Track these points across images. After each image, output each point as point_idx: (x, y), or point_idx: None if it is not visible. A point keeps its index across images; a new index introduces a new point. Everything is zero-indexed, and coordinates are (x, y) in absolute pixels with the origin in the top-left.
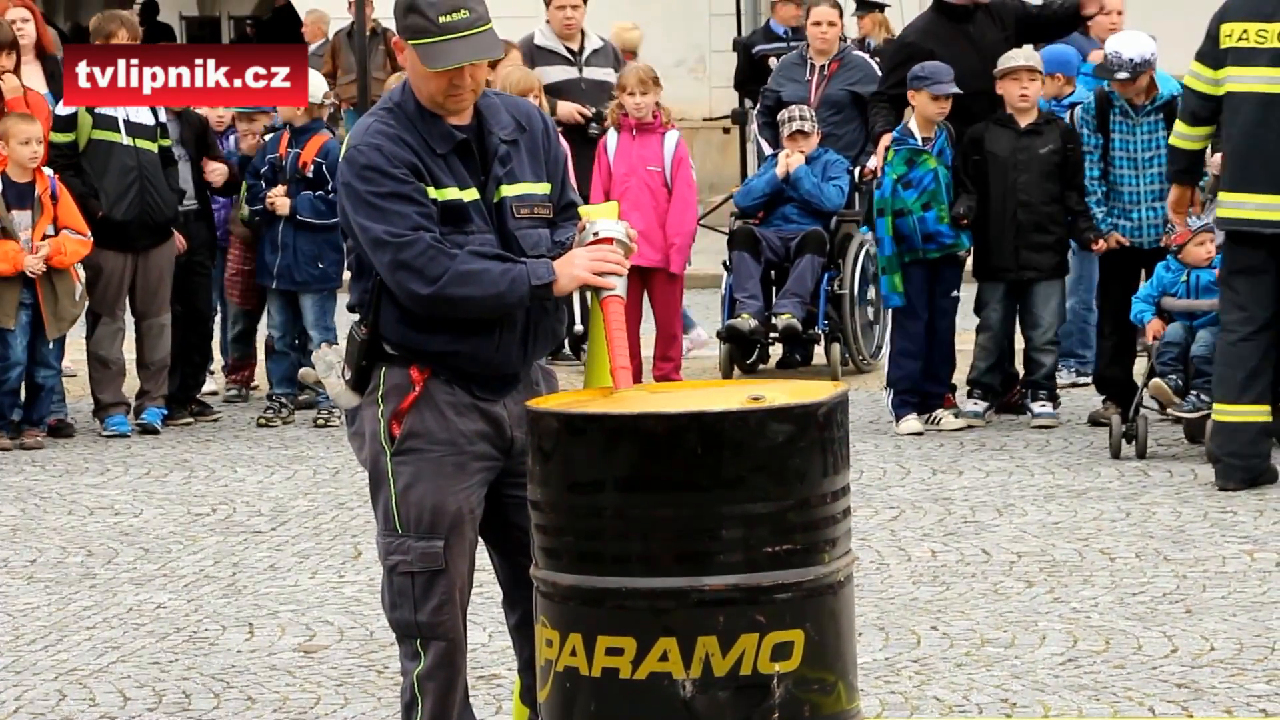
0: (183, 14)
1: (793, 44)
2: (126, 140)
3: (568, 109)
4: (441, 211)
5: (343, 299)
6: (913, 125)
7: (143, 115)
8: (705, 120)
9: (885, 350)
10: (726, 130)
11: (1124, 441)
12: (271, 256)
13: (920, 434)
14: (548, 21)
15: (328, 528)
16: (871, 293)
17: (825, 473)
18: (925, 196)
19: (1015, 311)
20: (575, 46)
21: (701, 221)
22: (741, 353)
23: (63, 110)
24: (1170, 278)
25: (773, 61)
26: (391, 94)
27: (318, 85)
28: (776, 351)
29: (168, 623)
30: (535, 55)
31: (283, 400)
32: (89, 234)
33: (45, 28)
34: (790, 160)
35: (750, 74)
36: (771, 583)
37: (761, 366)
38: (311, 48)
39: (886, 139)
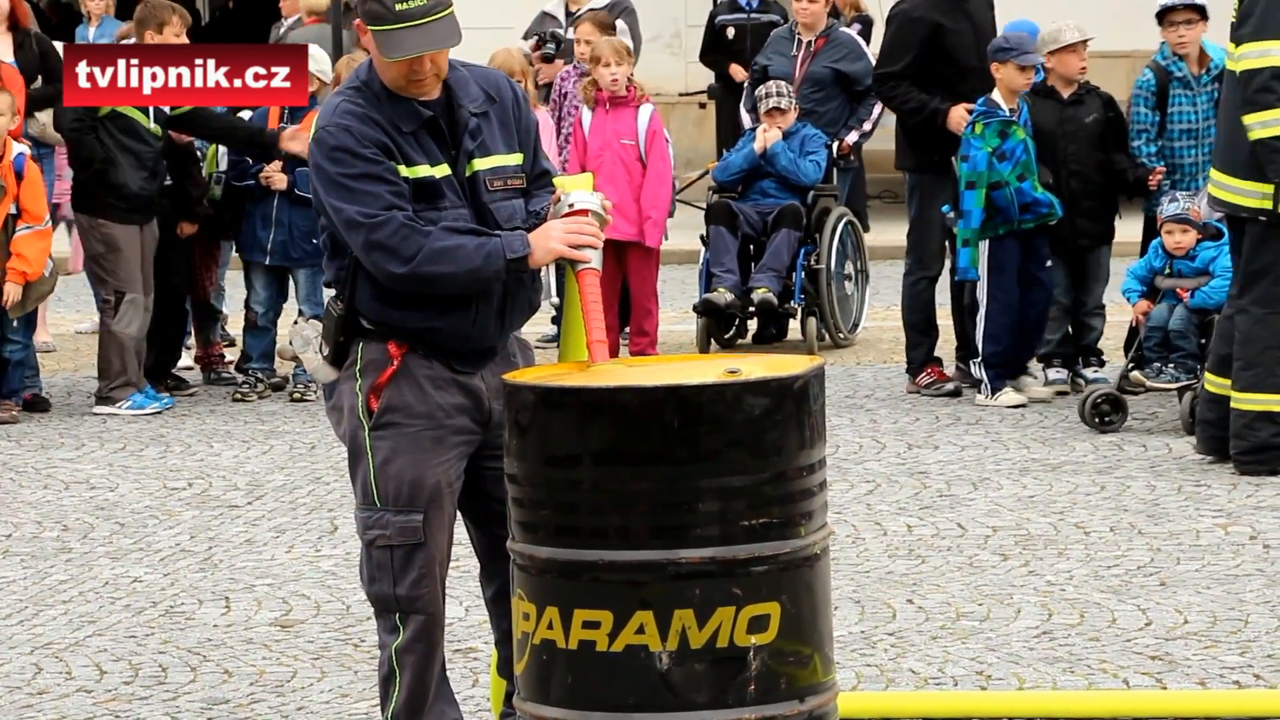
0: None
1: (754, 15)
2: (150, 124)
3: (549, 68)
4: (414, 189)
5: None
6: (997, 97)
7: None
8: (681, 95)
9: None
10: (702, 105)
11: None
12: (264, 232)
13: (1023, 405)
14: None
15: (304, 502)
16: (849, 268)
17: (802, 446)
18: (1019, 168)
19: (1069, 279)
20: (577, 6)
21: (678, 196)
22: (718, 327)
23: None
24: (1160, 264)
25: (730, 32)
26: (358, 71)
27: (320, 61)
28: (754, 326)
29: (144, 597)
30: (541, 21)
31: (259, 375)
32: (46, 219)
33: (20, 1)
34: (767, 136)
35: (712, 45)
36: (748, 556)
37: (739, 341)
38: (286, 23)
39: (959, 112)
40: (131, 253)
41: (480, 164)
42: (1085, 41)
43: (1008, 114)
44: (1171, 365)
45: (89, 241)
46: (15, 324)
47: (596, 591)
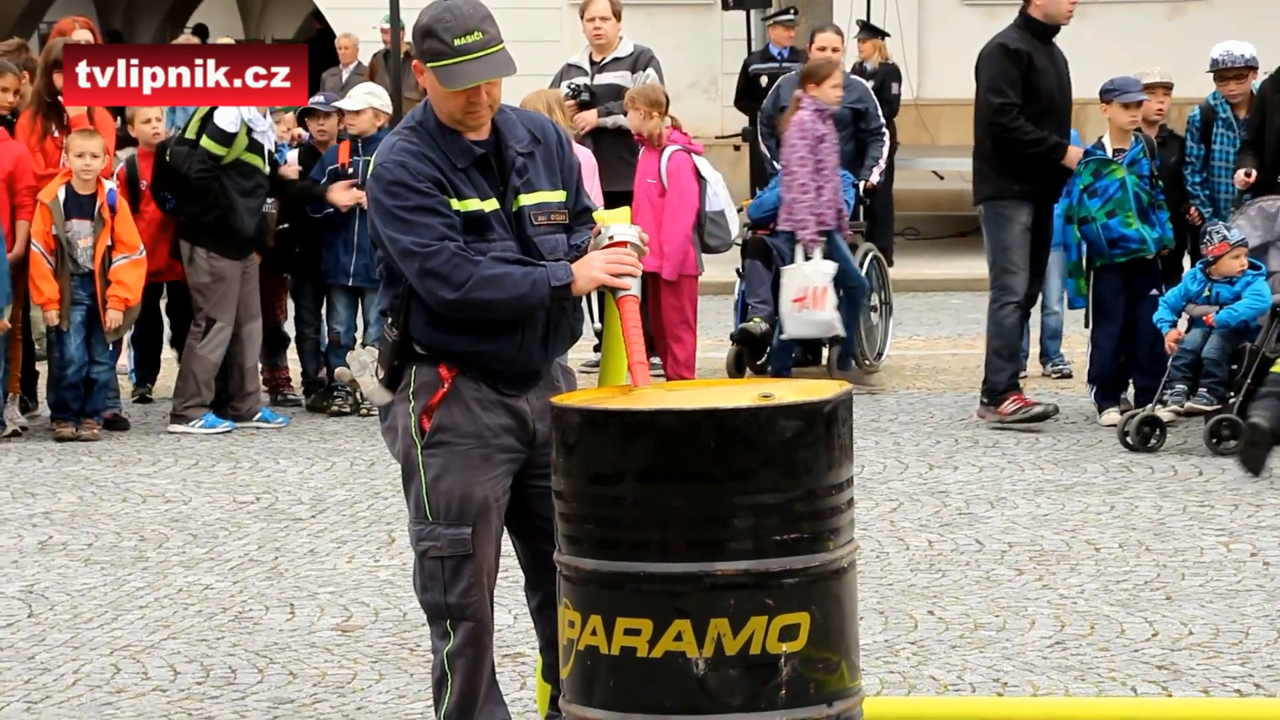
0: (231, 37)
1: (786, 64)
2: (266, 168)
3: (582, 116)
4: (464, 221)
5: None
6: (1105, 138)
7: (269, 140)
8: (717, 138)
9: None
10: (737, 147)
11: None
12: (346, 257)
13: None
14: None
15: (364, 515)
16: (874, 299)
17: (830, 466)
18: (1110, 204)
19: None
20: (600, 56)
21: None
22: (753, 354)
23: (228, 125)
24: (1196, 289)
25: (764, 80)
26: (414, 113)
27: (381, 96)
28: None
29: (215, 603)
30: (564, 72)
31: (346, 390)
32: (140, 248)
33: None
34: None
35: (745, 91)
36: (780, 568)
37: (769, 367)
38: (350, 69)
39: (1077, 153)
40: (232, 286)
41: (526, 199)
42: (1167, 86)
43: (1107, 154)
44: (1203, 389)
45: (195, 271)
46: (111, 347)
47: (637, 601)
